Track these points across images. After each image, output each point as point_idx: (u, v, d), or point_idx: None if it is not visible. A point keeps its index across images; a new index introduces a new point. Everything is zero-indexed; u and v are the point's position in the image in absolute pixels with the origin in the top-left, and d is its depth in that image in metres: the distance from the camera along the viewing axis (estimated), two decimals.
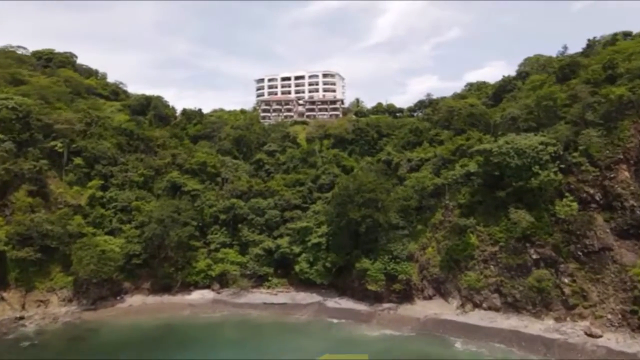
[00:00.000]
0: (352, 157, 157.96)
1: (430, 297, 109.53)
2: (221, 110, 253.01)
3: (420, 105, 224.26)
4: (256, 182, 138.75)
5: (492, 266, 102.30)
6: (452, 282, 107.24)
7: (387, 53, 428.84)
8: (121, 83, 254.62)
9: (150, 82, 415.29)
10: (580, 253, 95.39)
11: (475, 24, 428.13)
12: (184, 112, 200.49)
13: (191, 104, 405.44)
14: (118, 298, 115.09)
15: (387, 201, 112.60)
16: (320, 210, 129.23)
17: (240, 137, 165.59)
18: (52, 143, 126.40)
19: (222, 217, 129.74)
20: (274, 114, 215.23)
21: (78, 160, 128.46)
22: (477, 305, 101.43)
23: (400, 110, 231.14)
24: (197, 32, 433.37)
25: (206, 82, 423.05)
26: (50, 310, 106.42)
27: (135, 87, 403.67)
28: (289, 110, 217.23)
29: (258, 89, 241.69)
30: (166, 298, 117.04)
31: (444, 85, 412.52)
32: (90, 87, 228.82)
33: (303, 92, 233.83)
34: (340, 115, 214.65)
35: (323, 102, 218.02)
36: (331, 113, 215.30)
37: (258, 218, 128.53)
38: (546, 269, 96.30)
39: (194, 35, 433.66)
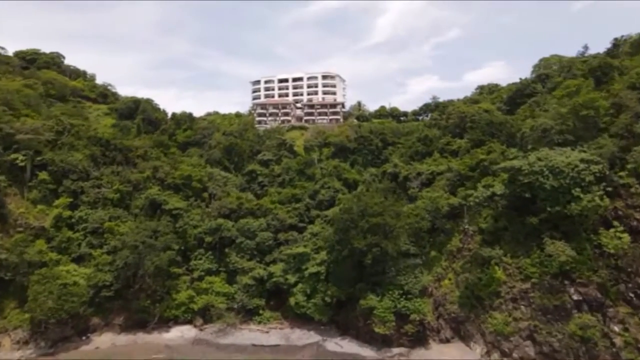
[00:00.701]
0: (354, 169, 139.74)
1: (447, 340, 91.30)
2: (216, 113, 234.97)
3: (426, 108, 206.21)
4: (247, 199, 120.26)
5: (523, 307, 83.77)
6: (474, 323, 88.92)
7: (387, 53, 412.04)
8: (110, 85, 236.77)
9: (150, 82, 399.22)
10: (632, 295, 77.00)
11: (475, 24, 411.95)
12: (174, 116, 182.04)
13: (191, 105, 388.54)
14: (83, 338, 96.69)
15: (397, 227, 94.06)
16: (319, 232, 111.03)
17: (232, 146, 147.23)
18: (13, 156, 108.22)
19: (208, 239, 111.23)
20: (270, 118, 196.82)
21: (43, 175, 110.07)
22: (505, 354, 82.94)
23: (405, 114, 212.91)
24: (197, 32, 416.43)
25: (207, 82, 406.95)
26: (1, 356, 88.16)
27: (135, 88, 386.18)
28: (286, 114, 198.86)
29: (254, 92, 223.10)
30: (140, 337, 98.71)
31: (444, 85, 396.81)
32: (75, 89, 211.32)
33: (301, 94, 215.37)
34: (341, 120, 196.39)
35: (322, 106, 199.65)
36: (331, 117, 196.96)
37: (248, 241, 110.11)
38: (591, 314, 77.85)
39: (194, 35, 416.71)
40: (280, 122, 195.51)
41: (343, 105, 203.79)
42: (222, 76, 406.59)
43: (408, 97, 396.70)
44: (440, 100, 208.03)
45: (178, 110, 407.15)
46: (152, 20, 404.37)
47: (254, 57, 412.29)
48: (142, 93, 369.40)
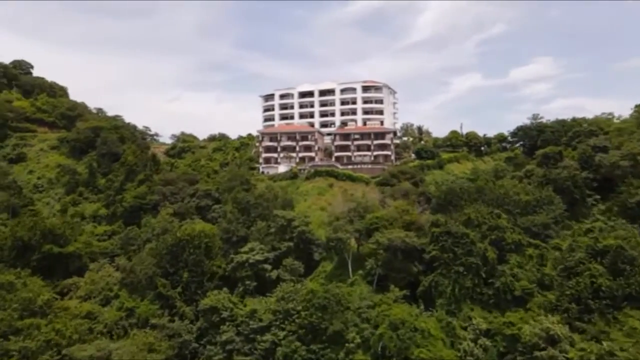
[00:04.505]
0: (435, 314, 54.65)
1: None
2: (222, 137, 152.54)
3: (524, 134, 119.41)
4: None
5: None
6: None
7: (428, 51, 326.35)
8: (82, 103, 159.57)
9: (192, 86, 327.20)
10: None
11: (520, 19, 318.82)
12: (123, 162, 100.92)
13: (232, 108, 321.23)
14: None
15: None
16: None
17: (179, 244, 64.56)
18: None
19: None
20: (282, 155, 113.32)
21: None
22: None
23: (487, 141, 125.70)
24: (237, 35, 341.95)
25: (247, 85, 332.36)
26: None
27: (177, 93, 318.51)
28: (308, 148, 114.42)
29: (265, 110, 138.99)
30: None
31: (488, 83, 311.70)
32: (19, 112, 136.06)
33: (332, 114, 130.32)
34: (393, 158, 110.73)
35: (363, 135, 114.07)
36: (377, 153, 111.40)
37: None
38: None
39: (234, 38, 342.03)
40: (297, 160, 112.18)
41: (395, 134, 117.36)
42: (262, 78, 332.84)
43: (451, 96, 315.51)
44: (543, 119, 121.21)
45: (216, 117, 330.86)
46: (193, 25, 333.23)
47: (292, 58, 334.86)
48: (185, 97, 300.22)
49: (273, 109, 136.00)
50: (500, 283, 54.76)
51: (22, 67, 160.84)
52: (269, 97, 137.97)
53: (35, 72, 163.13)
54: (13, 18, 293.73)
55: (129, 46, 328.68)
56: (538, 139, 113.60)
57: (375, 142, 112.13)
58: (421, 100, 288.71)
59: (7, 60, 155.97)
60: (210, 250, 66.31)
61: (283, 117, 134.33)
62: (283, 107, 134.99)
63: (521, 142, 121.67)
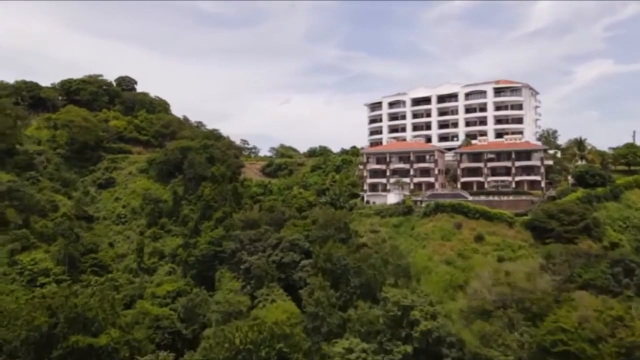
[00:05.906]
0: None
1: None
2: (323, 151, 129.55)
3: None
4: None
5: None
6: None
7: (548, 39, 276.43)
8: (182, 117, 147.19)
9: (300, 89, 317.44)
10: None
11: None
12: (200, 197, 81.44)
13: (339, 109, 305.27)
14: None
15: None
16: None
17: (237, 357, 41.67)
18: None
19: None
20: (392, 180, 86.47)
21: None
22: None
23: None
24: (343, 37, 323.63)
25: (355, 85, 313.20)
26: None
27: (287, 96, 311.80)
28: (426, 171, 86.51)
29: (371, 122, 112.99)
30: None
31: (621, 69, 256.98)
32: (112, 132, 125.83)
33: (455, 124, 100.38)
34: (543, 185, 78.51)
35: (499, 154, 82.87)
36: (519, 178, 79.97)
37: None
38: None
39: (340, 40, 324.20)
40: (411, 187, 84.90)
41: (545, 152, 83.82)
42: (369, 78, 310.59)
43: (575, 87, 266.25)
44: None
45: (324, 120, 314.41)
46: (302, 29, 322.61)
47: (400, 56, 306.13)
48: (295, 100, 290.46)
49: (380, 120, 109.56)
50: None
51: (125, 84, 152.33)
52: (375, 105, 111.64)
53: (146, 87, 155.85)
54: (132, 33, 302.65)
55: (242, 54, 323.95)
56: None
57: (518, 163, 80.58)
58: (539, 94, 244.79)
59: (113, 76, 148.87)
60: (286, 358, 42.38)
61: (392, 129, 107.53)
62: (393, 117, 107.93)
63: None
